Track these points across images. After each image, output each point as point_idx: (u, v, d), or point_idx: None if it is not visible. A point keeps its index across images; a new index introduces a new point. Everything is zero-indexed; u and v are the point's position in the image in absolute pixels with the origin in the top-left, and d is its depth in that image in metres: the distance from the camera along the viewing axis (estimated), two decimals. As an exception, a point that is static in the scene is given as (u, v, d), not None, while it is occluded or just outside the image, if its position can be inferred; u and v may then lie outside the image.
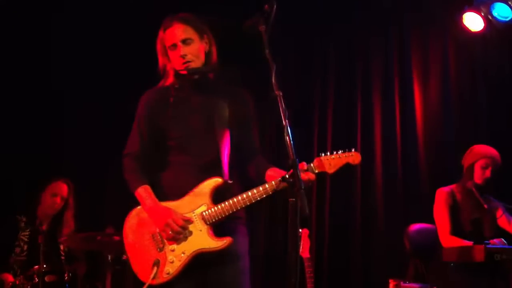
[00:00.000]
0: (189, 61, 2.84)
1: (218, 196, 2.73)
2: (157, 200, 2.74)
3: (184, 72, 2.85)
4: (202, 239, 2.69)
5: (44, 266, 3.97)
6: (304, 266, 4.47)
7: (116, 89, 5.59)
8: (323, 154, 2.72)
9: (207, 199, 2.72)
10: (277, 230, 5.53)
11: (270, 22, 2.45)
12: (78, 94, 5.61)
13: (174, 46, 2.86)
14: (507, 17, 5.10)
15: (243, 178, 2.91)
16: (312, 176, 2.66)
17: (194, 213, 2.72)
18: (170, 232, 2.67)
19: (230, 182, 2.79)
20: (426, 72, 5.60)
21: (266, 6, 2.45)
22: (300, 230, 4.46)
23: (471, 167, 4.39)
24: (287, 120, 2.32)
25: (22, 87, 5.44)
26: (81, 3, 5.44)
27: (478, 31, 5.25)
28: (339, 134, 5.71)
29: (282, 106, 2.36)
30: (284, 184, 2.54)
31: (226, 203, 2.69)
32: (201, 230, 2.69)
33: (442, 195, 4.43)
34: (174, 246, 2.69)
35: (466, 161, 4.46)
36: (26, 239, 4.52)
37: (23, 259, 4.45)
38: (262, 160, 2.91)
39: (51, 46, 5.53)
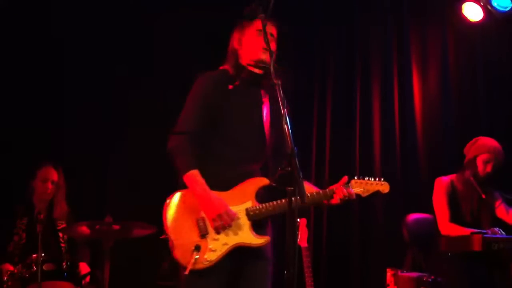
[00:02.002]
0: (266, 49, 2.84)
1: (260, 195, 2.83)
2: (209, 188, 2.76)
3: (252, 63, 2.89)
4: (244, 233, 2.77)
5: (43, 254, 3.97)
6: (302, 256, 4.48)
7: (118, 81, 5.60)
8: (356, 178, 2.91)
9: (252, 197, 2.82)
10: (276, 219, 5.53)
11: (269, 10, 2.43)
12: (80, 86, 5.61)
13: (261, 32, 2.84)
14: (506, 7, 5.08)
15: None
16: (353, 195, 2.85)
17: (239, 207, 2.80)
18: (221, 224, 2.72)
19: (274, 185, 2.85)
20: (425, 63, 5.59)
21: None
22: (298, 219, 4.47)
23: (473, 159, 4.37)
24: (285, 109, 2.31)
25: (24, 71, 5.44)
26: (82, 1, 5.45)
27: (477, 21, 5.23)
28: (338, 125, 5.70)
29: (280, 94, 2.36)
30: (323, 198, 2.84)
31: (271, 203, 2.79)
32: (244, 225, 2.78)
33: (441, 184, 4.43)
34: (218, 235, 2.75)
35: (469, 152, 4.43)
36: (24, 227, 4.53)
37: (22, 246, 4.45)
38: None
39: (51, 41, 5.52)
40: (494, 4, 5.07)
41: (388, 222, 5.32)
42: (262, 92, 2.98)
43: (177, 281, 2.80)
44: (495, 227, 4.17)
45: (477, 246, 3.87)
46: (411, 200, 5.25)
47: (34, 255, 4.03)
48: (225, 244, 2.74)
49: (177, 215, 2.79)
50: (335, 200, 2.86)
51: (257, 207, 2.79)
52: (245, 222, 2.78)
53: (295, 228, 2.28)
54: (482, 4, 5.09)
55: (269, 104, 2.96)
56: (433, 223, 4.42)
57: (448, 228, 4.26)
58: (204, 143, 2.86)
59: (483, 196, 4.28)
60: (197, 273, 2.70)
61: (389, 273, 4.55)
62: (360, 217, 5.46)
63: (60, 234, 4.64)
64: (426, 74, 5.57)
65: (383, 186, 2.96)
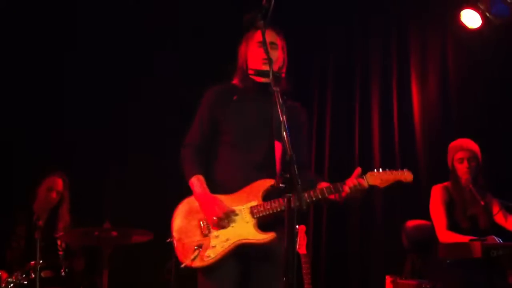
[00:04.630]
0: (266, 60, 2.86)
1: (268, 197, 2.85)
2: (207, 189, 2.86)
3: (253, 72, 2.95)
4: (247, 230, 2.82)
5: (41, 261, 3.97)
6: (301, 263, 4.48)
7: (117, 88, 5.60)
8: (375, 170, 2.89)
9: (258, 197, 2.86)
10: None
11: (268, 18, 2.44)
12: (79, 91, 5.62)
13: (261, 43, 2.90)
14: (504, 15, 5.08)
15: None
16: (365, 184, 2.84)
17: (244, 206, 2.85)
18: (214, 218, 2.79)
19: (282, 186, 2.83)
20: (424, 69, 5.60)
21: (264, 1, 2.44)
22: (297, 226, 4.46)
23: (452, 165, 4.44)
24: (284, 116, 2.32)
25: (25, 82, 5.46)
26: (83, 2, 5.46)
27: (475, 28, 5.24)
28: (338, 128, 5.71)
29: (279, 102, 2.36)
30: (332, 192, 2.80)
31: (275, 200, 2.81)
32: (247, 222, 2.84)
33: (437, 191, 4.44)
34: (219, 232, 2.82)
35: (448, 161, 4.50)
36: (23, 234, 4.52)
37: (20, 253, 4.44)
38: (312, 174, 3.07)
39: (52, 41, 5.54)
40: (493, 11, 5.07)
41: (387, 228, 5.31)
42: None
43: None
44: (493, 232, 4.18)
45: (476, 253, 3.85)
46: (410, 206, 5.24)
47: (32, 262, 4.03)
48: (227, 240, 2.80)
49: (183, 217, 2.90)
50: (345, 191, 2.82)
51: (261, 204, 2.83)
52: (249, 219, 2.83)
53: (294, 234, 2.28)
54: (480, 11, 5.09)
55: (288, 115, 2.99)
56: (432, 229, 4.42)
57: (446, 236, 4.26)
58: (212, 151, 2.98)
59: (482, 203, 4.27)
60: (207, 273, 2.80)
61: (389, 280, 4.55)
62: (359, 224, 5.46)
63: (58, 242, 4.62)
64: (425, 81, 5.57)
65: (405, 175, 2.92)
